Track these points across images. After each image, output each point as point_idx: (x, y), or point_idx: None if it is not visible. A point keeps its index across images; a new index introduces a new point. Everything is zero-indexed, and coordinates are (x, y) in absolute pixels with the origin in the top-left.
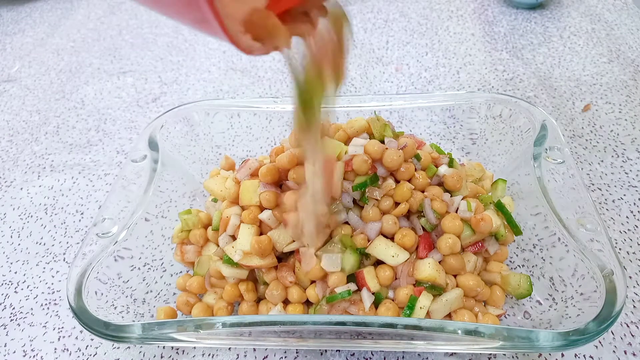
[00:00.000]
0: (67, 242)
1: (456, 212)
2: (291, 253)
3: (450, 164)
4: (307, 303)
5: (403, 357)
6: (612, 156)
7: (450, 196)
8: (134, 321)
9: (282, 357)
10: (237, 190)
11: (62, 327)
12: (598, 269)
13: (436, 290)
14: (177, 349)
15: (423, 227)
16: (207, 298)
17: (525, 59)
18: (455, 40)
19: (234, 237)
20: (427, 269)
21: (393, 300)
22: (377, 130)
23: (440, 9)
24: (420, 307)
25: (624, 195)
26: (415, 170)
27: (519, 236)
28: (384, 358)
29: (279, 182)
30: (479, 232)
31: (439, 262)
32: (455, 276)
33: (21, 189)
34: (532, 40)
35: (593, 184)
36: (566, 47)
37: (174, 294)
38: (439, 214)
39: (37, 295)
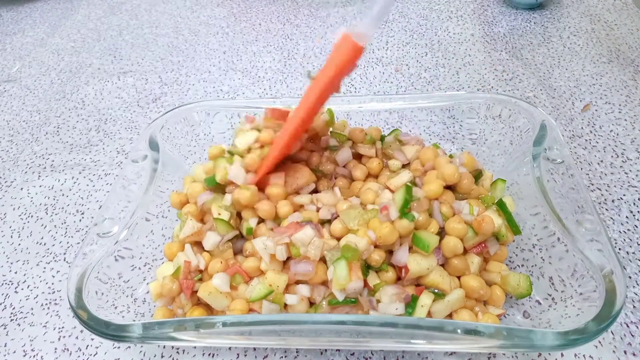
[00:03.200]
0: (68, 242)
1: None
2: None
3: None
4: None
5: (403, 357)
6: (612, 156)
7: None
8: (134, 321)
9: (282, 357)
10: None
11: (63, 327)
12: (598, 268)
13: (439, 296)
14: (178, 349)
15: None
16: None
17: (524, 59)
18: (454, 41)
19: None
20: (431, 274)
21: None
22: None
23: (440, 9)
24: (422, 306)
25: (624, 195)
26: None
27: (518, 236)
28: (384, 357)
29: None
30: (481, 234)
31: (443, 265)
32: (458, 277)
33: (21, 189)
34: (531, 40)
35: (593, 184)
36: (566, 47)
37: None
38: (445, 217)
39: (37, 295)
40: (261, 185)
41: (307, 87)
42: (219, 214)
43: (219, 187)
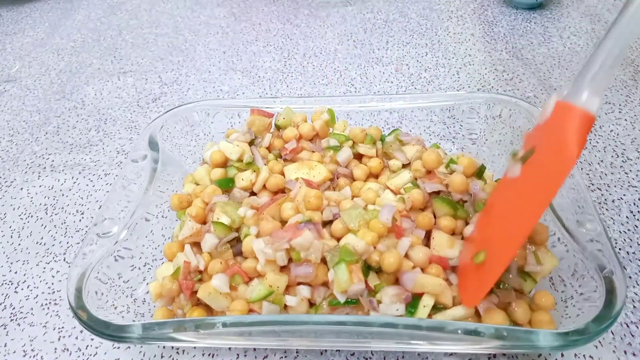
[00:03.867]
0: (68, 242)
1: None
2: None
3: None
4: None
5: (403, 357)
6: (612, 156)
7: None
8: (134, 321)
9: (282, 357)
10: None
11: (63, 327)
12: (598, 269)
13: (439, 309)
14: (177, 349)
15: None
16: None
17: (525, 59)
18: (455, 41)
19: None
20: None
21: None
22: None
23: (440, 9)
24: (424, 306)
25: (624, 195)
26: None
27: None
28: (384, 358)
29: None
30: None
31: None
32: None
33: (21, 189)
34: (531, 40)
35: (593, 184)
36: (566, 47)
37: None
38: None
39: (37, 295)
40: None
41: (516, 175)
42: (218, 217)
43: (228, 189)
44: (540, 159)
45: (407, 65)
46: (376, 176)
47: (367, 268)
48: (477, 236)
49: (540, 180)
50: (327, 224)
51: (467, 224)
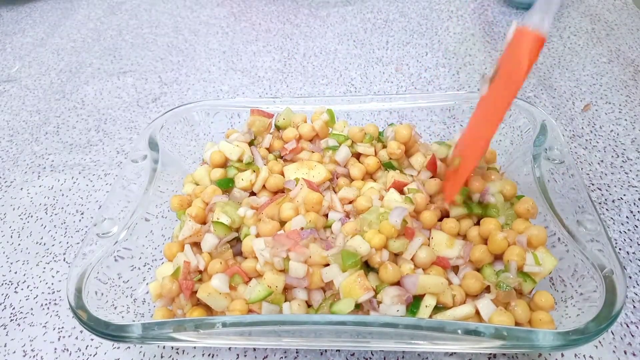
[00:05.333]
0: (67, 242)
1: None
2: None
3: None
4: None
5: (403, 357)
6: (612, 156)
7: None
8: (134, 321)
9: (282, 357)
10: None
11: (62, 327)
12: (598, 269)
13: (440, 310)
14: (177, 349)
15: None
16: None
17: None
18: (455, 41)
19: None
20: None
21: None
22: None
23: (440, 9)
24: (426, 306)
25: (624, 195)
26: None
27: None
28: (384, 358)
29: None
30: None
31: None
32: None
33: (21, 189)
34: None
35: (593, 184)
36: (566, 47)
37: None
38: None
39: (37, 295)
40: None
41: (485, 93)
42: (218, 218)
43: (227, 189)
44: (501, 76)
45: (407, 65)
46: (371, 174)
47: (367, 267)
48: (456, 148)
49: (501, 93)
50: (328, 226)
51: None
